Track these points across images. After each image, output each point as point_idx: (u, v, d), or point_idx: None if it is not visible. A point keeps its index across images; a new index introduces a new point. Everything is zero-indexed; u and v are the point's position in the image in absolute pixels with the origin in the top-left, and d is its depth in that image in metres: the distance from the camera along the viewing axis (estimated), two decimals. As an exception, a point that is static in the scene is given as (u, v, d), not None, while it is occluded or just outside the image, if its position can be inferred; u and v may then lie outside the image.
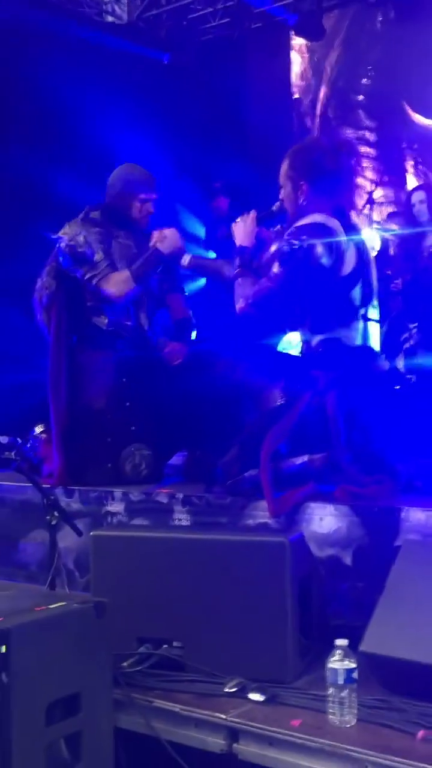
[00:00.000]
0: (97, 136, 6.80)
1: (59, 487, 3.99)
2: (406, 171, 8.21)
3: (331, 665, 2.39)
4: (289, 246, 3.48)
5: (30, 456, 4.44)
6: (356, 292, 3.57)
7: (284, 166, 3.71)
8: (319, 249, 3.46)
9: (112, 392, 4.21)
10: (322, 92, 8.83)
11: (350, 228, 3.62)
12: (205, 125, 8.05)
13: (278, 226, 3.87)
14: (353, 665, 2.39)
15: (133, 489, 3.83)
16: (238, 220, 3.82)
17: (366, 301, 3.61)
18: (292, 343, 3.95)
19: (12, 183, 6.38)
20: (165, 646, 2.86)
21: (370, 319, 3.63)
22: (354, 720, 2.37)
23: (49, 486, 3.86)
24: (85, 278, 4.23)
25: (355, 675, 2.39)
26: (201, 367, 3.82)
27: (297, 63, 9.03)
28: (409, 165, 8.20)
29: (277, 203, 3.79)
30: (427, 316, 5.92)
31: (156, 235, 4.31)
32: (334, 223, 3.53)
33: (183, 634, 2.85)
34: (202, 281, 6.52)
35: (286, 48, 8.96)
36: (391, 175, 8.29)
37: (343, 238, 3.52)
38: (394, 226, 6.93)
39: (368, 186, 8.28)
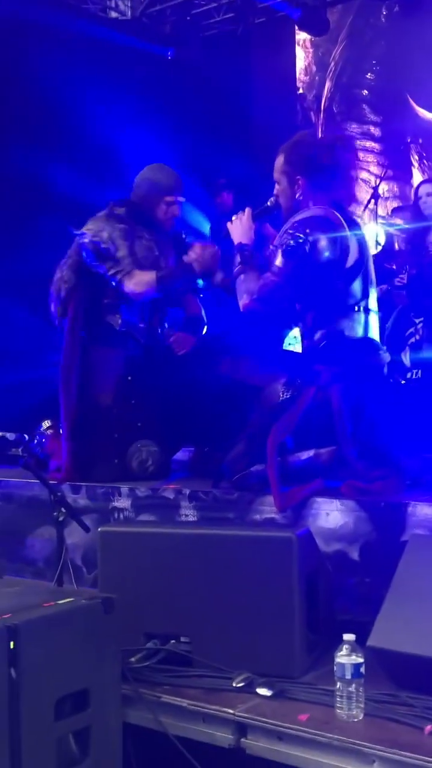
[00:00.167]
0: (101, 131, 6.80)
1: (66, 483, 4.00)
2: (411, 165, 8.20)
3: (338, 660, 2.40)
4: (294, 240, 3.47)
5: (37, 452, 4.45)
6: (357, 285, 3.57)
7: (279, 162, 3.70)
8: (323, 242, 3.46)
9: (118, 389, 4.22)
10: (327, 87, 8.81)
11: (349, 221, 3.62)
12: (209, 120, 8.04)
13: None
14: (361, 660, 2.39)
15: (139, 485, 3.84)
16: (234, 218, 3.81)
17: (366, 293, 3.61)
18: (298, 338, 3.95)
19: (15, 179, 6.38)
20: (172, 641, 2.87)
21: (370, 311, 3.64)
22: (361, 714, 2.38)
23: (56, 482, 3.86)
24: (109, 274, 4.21)
25: (362, 670, 2.39)
26: (208, 355, 3.83)
27: (301, 58, 9.01)
28: (414, 159, 8.19)
29: (272, 199, 3.77)
30: (433, 311, 5.91)
31: (197, 251, 4.21)
32: (336, 216, 3.53)
33: (190, 629, 2.86)
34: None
35: (291, 43, 8.94)
36: (396, 169, 8.27)
37: (346, 230, 3.51)
38: (399, 221, 6.92)
39: (373, 181, 8.26)
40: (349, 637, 2.43)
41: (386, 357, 3.72)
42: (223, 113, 8.14)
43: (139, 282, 4.19)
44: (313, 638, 2.84)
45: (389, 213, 7.62)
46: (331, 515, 3.20)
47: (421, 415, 4.40)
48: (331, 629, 2.86)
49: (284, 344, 4.15)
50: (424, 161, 8.11)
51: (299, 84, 9.01)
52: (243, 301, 3.63)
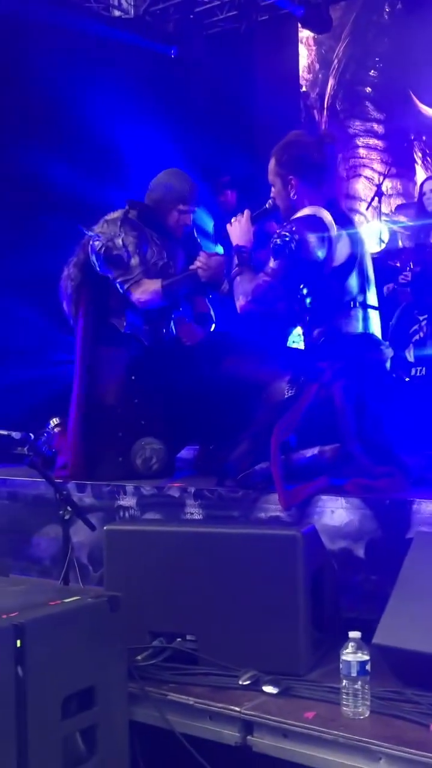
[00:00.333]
0: (104, 130, 6.80)
1: (72, 481, 4.01)
2: (414, 162, 8.18)
3: (344, 657, 2.40)
4: (281, 238, 3.50)
5: (43, 450, 4.46)
6: (352, 280, 3.58)
7: (271, 165, 3.74)
8: (312, 240, 3.48)
9: (122, 388, 4.22)
10: (330, 84, 8.80)
11: (342, 217, 3.64)
12: (212, 118, 8.03)
13: None
14: (366, 657, 2.40)
15: (144, 483, 3.84)
16: (233, 220, 3.83)
17: (363, 289, 3.62)
18: (302, 336, 3.96)
19: (18, 177, 6.38)
20: (178, 639, 2.87)
21: (369, 306, 3.64)
22: (367, 712, 2.38)
23: (61, 481, 3.87)
24: (117, 281, 4.22)
25: (368, 667, 2.39)
26: (213, 352, 3.84)
27: (304, 55, 9.00)
28: (418, 156, 8.18)
29: (269, 201, 3.80)
30: (437, 308, 5.91)
31: (202, 260, 4.21)
32: (324, 214, 3.55)
33: (196, 627, 2.86)
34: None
35: (294, 40, 8.92)
36: (399, 166, 8.26)
37: (333, 227, 3.53)
38: (403, 218, 6.92)
39: (376, 178, 8.26)
40: (354, 634, 2.43)
41: (388, 352, 3.72)
42: (226, 111, 8.14)
43: (145, 290, 4.20)
44: (319, 636, 2.84)
45: (393, 210, 7.63)
46: (336, 513, 3.20)
47: (426, 411, 4.41)
48: (337, 627, 2.87)
49: (289, 342, 4.16)
50: (428, 158, 8.10)
51: (302, 81, 9.00)
52: (239, 302, 3.65)
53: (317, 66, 8.92)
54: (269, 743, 2.45)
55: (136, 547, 3.04)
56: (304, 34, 8.80)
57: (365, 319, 3.61)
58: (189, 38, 8.36)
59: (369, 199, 7.80)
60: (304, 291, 3.59)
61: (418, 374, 5.67)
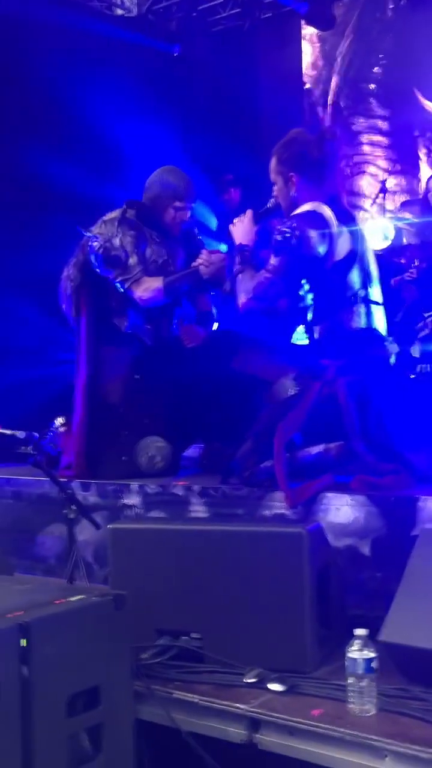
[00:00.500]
0: (107, 129, 6.79)
1: (76, 480, 4.01)
2: (419, 159, 8.16)
3: (350, 655, 2.40)
4: (281, 235, 3.49)
5: (48, 449, 4.46)
6: (354, 276, 3.57)
7: (272, 163, 3.75)
8: (313, 236, 3.47)
9: (126, 387, 4.23)
10: (334, 81, 8.78)
11: (343, 213, 3.64)
12: (215, 117, 8.02)
13: None
14: (372, 655, 2.39)
15: (149, 482, 3.84)
16: (236, 220, 3.83)
17: (365, 285, 3.61)
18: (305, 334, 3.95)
19: (20, 177, 6.37)
20: (184, 637, 2.87)
21: (372, 302, 3.63)
22: (374, 709, 2.38)
23: (66, 480, 3.87)
24: (117, 280, 4.22)
25: (374, 664, 2.39)
26: (216, 350, 3.83)
27: (308, 53, 8.98)
28: (422, 153, 8.16)
29: (272, 200, 3.81)
30: (442, 305, 5.90)
31: (204, 257, 4.22)
32: (324, 210, 3.55)
33: (202, 625, 2.86)
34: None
35: (297, 38, 8.90)
36: (404, 163, 8.24)
37: (334, 223, 3.53)
38: (407, 215, 6.90)
39: (381, 175, 8.24)
40: (360, 632, 2.43)
41: (393, 348, 3.71)
42: (230, 109, 8.13)
43: (147, 288, 4.20)
44: (325, 633, 2.84)
45: (397, 207, 7.61)
46: (341, 510, 3.19)
47: (430, 408, 4.39)
48: (343, 624, 2.86)
49: (293, 339, 4.15)
50: (432, 155, 8.08)
51: (306, 79, 8.98)
52: (240, 300, 3.65)
53: (321, 63, 8.90)
54: (275, 741, 2.45)
55: (141, 546, 3.04)
56: (308, 31, 8.78)
57: (368, 314, 3.60)
58: (192, 36, 8.35)
59: (373, 196, 7.79)
60: (306, 287, 3.59)
61: (423, 371, 5.65)
